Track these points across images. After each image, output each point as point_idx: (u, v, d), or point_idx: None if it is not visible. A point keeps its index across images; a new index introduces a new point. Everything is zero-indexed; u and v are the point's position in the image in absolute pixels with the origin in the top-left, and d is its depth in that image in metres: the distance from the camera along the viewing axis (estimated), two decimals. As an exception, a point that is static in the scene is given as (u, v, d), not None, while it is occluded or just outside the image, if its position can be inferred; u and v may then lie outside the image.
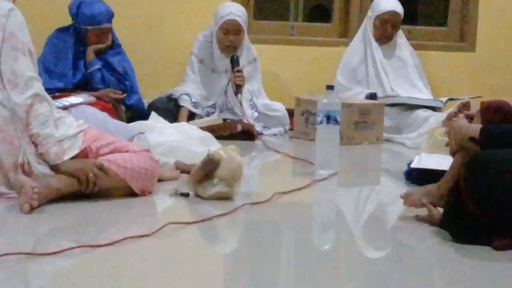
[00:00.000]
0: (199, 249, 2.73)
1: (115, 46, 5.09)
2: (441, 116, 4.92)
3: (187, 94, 5.20)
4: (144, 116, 4.69)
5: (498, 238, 2.63)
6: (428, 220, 2.92)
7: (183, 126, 4.29)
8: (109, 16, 4.96)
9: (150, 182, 3.28)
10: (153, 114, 4.35)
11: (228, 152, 3.26)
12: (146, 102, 5.21)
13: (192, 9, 5.75)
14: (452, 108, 4.91)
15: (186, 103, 5.17)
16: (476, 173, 2.63)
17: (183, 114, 5.13)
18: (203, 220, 2.92)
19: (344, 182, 3.94)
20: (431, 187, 3.02)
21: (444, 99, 5.30)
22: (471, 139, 2.76)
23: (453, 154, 2.96)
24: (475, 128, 2.78)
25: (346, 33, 6.07)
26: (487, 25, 6.08)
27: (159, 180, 3.41)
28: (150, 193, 3.28)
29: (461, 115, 2.95)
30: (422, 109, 5.16)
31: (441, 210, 2.85)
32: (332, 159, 3.92)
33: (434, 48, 6.08)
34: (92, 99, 4.46)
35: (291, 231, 3.09)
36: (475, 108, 3.00)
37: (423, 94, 5.44)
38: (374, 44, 5.51)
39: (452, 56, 6.11)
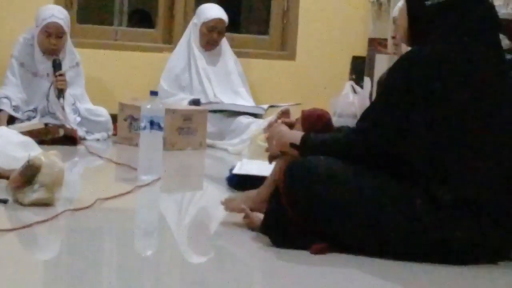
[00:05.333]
0: (18, 256, 2.67)
1: None
2: (262, 122, 5.03)
3: (7, 98, 5.07)
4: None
5: (315, 243, 2.70)
6: (248, 226, 2.97)
7: (2, 130, 4.17)
8: None
9: (-34, 188, 3.18)
10: (-29, 118, 4.23)
11: (49, 157, 3.21)
12: (-37, 105, 5.05)
13: (13, 11, 5.61)
14: (273, 115, 5.04)
15: (5, 107, 5.04)
16: (294, 180, 2.70)
17: (3, 118, 4.99)
18: (22, 227, 2.85)
19: (167, 188, 3.96)
20: (252, 192, 3.08)
21: (265, 106, 5.42)
22: (292, 145, 2.85)
23: (270, 159, 3.03)
24: (297, 134, 2.87)
25: (170, 39, 6.08)
26: (306, 35, 6.24)
27: (-24, 186, 3.33)
28: (-34, 199, 3.19)
29: (279, 121, 3.03)
30: (244, 116, 5.26)
31: (261, 215, 2.91)
32: (155, 165, 3.93)
33: (256, 56, 6.19)
34: None
35: (114, 237, 3.08)
36: (294, 115, 3.09)
37: (245, 101, 5.54)
38: (198, 50, 5.56)
39: (274, 64, 6.24)
